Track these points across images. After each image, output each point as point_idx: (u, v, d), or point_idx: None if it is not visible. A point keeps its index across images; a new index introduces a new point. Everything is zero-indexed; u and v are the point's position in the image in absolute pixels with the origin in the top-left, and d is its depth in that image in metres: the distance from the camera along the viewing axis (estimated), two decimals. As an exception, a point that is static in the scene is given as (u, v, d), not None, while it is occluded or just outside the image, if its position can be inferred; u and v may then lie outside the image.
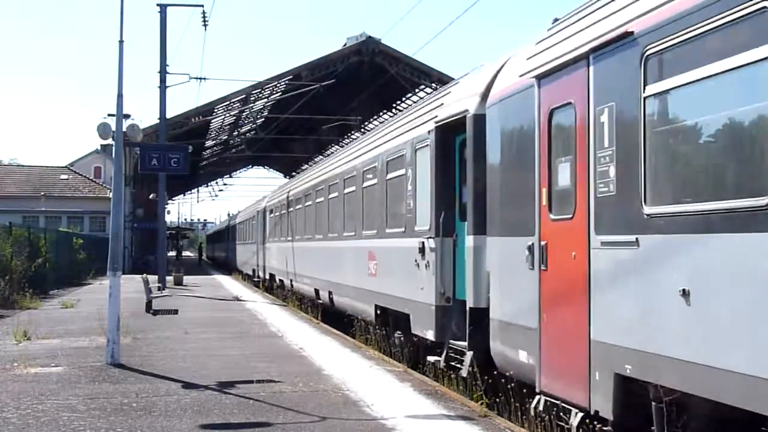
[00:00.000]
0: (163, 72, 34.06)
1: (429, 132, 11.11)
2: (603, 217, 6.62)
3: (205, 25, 37.35)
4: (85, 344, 14.20)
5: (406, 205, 12.15)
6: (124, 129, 12.89)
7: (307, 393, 9.58)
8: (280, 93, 51.41)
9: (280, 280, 27.77)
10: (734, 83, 5.29)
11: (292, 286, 24.75)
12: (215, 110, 50.66)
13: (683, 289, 5.52)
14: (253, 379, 10.37)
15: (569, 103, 7.16)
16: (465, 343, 9.74)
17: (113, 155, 14.24)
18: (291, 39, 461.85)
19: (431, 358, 10.93)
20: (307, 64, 47.42)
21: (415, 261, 11.35)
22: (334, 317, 18.89)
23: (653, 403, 6.06)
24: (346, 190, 16.72)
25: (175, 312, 19.07)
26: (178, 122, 47.06)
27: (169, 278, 34.31)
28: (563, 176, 7.33)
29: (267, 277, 31.79)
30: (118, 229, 12.89)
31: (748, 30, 5.03)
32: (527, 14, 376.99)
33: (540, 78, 7.73)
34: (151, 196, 45.88)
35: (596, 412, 6.61)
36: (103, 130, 12.76)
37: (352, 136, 57.84)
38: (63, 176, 58.18)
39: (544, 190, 7.61)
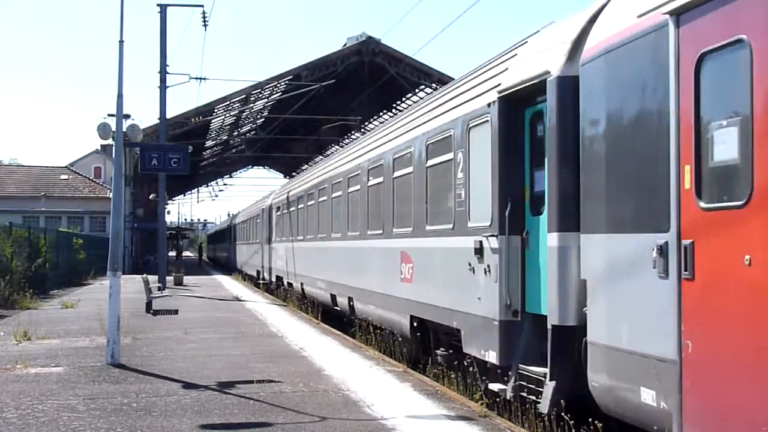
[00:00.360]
0: (163, 72, 34.07)
1: (489, 105, 9.03)
2: None
3: (205, 25, 37.42)
4: (85, 344, 14.20)
5: (454, 196, 10.11)
6: (124, 129, 12.89)
7: (307, 393, 9.58)
8: (280, 93, 51.42)
9: (289, 283, 25.71)
10: None
11: (303, 290, 22.64)
12: (215, 110, 50.67)
13: None
14: (253, 379, 10.38)
15: (738, 42, 5.22)
16: (543, 370, 7.77)
17: (113, 155, 14.24)
18: (291, 39, 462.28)
19: (494, 387, 8.86)
20: (307, 64, 47.44)
21: (469, 264, 9.43)
22: (334, 317, 18.86)
23: None
24: (371, 182, 14.67)
25: (175, 312, 19.11)
26: (178, 122, 47.08)
27: (169, 278, 34.32)
28: (725, 146, 5.38)
29: (273, 279, 29.78)
30: (118, 229, 12.89)
31: None
32: (527, 14, 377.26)
33: (679, 13, 5.81)
34: (151, 196, 45.89)
35: None
36: (103, 130, 12.76)
37: (353, 136, 57.89)
38: (63, 176, 58.19)
39: (688, 168, 5.65)
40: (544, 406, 7.59)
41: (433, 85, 45.67)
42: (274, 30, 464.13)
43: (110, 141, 13.31)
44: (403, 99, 53.20)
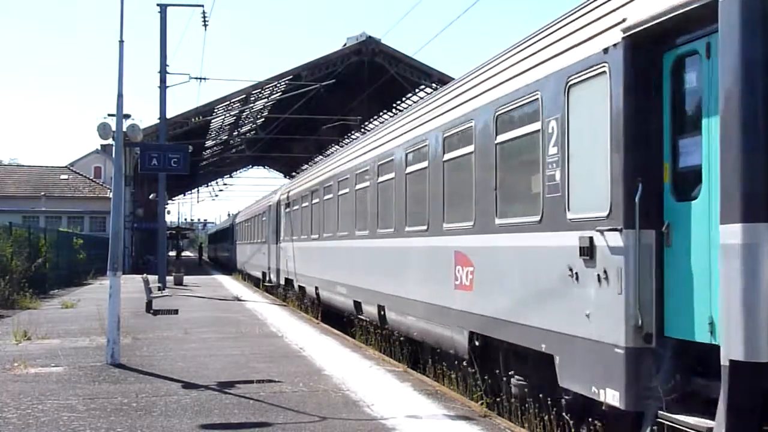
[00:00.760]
0: (163, 72, 34.07)
1: (606, 51, 6.80)
2: None
3: (205, 25, 37.41)
4: (85, 344, 14.20)
5: (543, 179, 7.81)
6: (124, 129, 12.89)
7: (307, 393, 9.58)
8: (280, 93, 51.43)
9: (300, 286, 23.15)
10: None
11: (318, 295, 20.21)
12: (215, 110, 50.69)
13: None
14: (253, 379, 10.37)
15: None
16: (704, 423, 5.72)
17: (113, 155, 14.24)
18: (291, 39, 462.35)
19: None
20: (307, 64, 47.46)
21: (570, 270, 7.17)
22: (334, 317, 18.83)
23: None
24: (409, 170, 12.39)
25: (175, 312, 19.10)
26: (178, 122, 47.09)
27: (169, 278, 34.32)
28: None
29: (281, 282, 27.22)
30: (118, 229, 12.90)
31: None
32: (527, 14, 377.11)
33: None
34: (151, 196, 45.91)
35: None
36: (103, 130, 12.77)
37: (353, 136, 57.92)
38: (63, 176, 58.22)
39: None
40: None
41: (433, 84, 45.70)
42: (274, 30, 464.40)
43: (110, 141, 13.32)
44: (403, 99, 53.22)
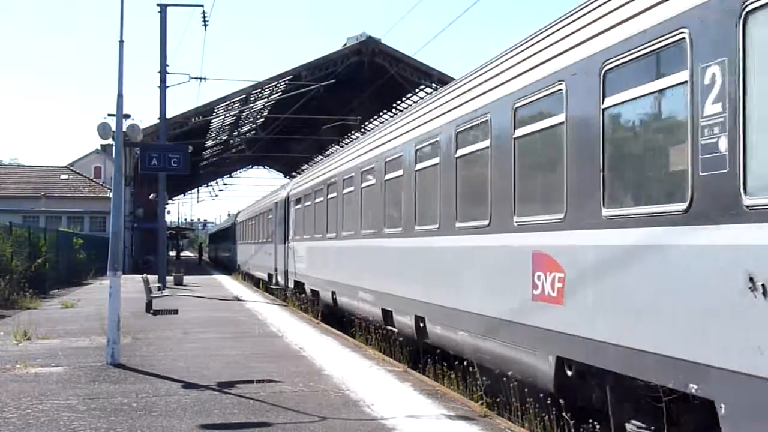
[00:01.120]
0: (163, 72, 34.07)
1: None
2: None
3: (205, 25, 37.44)
4: (85, 344, 14.20)
5: (693, 151, 5.67)
6: (124, 129, 12.90)
7: (307, 393, 9.58)
8: (280, 93, 51.46)
9: (313, 290, 21.00)
10: None
11: (335, 301, 18.03)
12: (215, 110, 50.72)
13: None
14: (253, 379, 10.37)
15: None
16: None
17: (113, 155, 14.24)
18: (291, 39, 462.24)
19: None
20: (307, 64, 47.50)
21: (751, 280, 5.05)
22: (334, 317, 18.80)
23: None
24: (460, 152, 10.13)
25: (175, 312, 19.12)
26: (178, 122, 47.11)
27: (169, 278, 34.32)
28: None
29: (290, 285, 24.96)
30: (118, 229, 12.89)
31: None
32: (527, 14, 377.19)
33: None
34: (151, 196, 45.89)
35: None
36: (103, 130, 12.77)
37: (353, 136, 57.94)
38: (63, 176, 58.22)
39: None
40: None
41: (433, 84, 45.73)
42: (274, 30, 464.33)
43: (110, 141, 13.32)
44: (403, 99, 53.26)
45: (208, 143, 64.03)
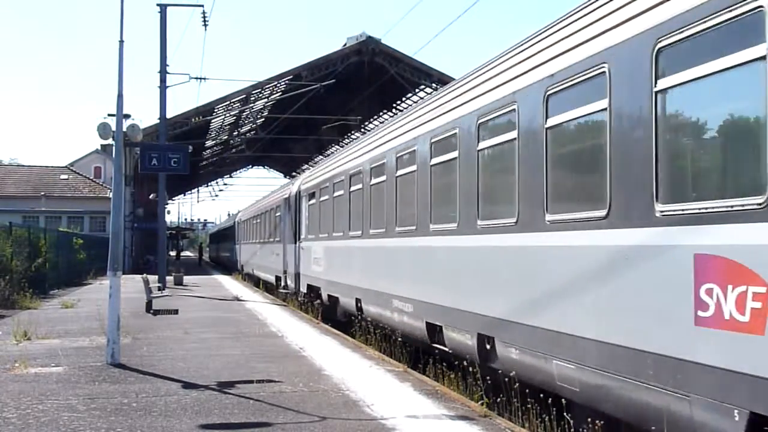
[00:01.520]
0: (163, 72, 34.08)
1: None
2: None
3: (205, 25, 37.45)
4: (85, 344, 14.20)
5: None
6: (124, 129, 12.89)
7: (307, 393, 9.57)
8: (280, 93, 51.48)
9: (331, 296, 18.64)
10: None
11: (360, 309, 15.63)
12: (215, 110, 50.73)
13: None
14: (253, 379, 10.37)
15: None
16: None
17: (113, 155, 14.24)
18: (291, 39, 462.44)
19: None
20: (307, 64, 47.52)
21: None
22: (334, 318, 18.78)
23: None
24: (552, 122, 7.75)
25: (175, 312, 19.12)
26: (178, 122, 47.13)
27: (169, 278, 34.32)
28: None
29: (303, 289, 22.52)
30: (118, 229, 12.89)
31: None
32: (527, 14, 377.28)
33: None
34: (151, 196, 45.93)
35: None
36: (103, 130, 12.77)
37: (353, 136, 57.95)
38: (63, 176, 58.26)
39: None
40: None
41: (433, 84, 45.75)
42: (274, 30, 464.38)
43: (110, 141, 13.32)
44: (403, 99, 53.26)
45: (208, 143, 64.05)
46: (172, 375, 10.81)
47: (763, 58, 5.03)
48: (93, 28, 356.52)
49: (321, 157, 59.07)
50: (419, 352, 12.46)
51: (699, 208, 5.61)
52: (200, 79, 38.31)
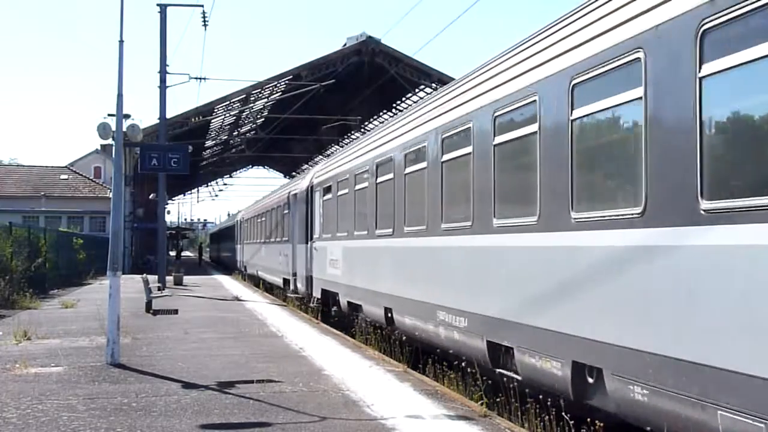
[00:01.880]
0: (163, 72, 34.08)
1: None
2: None
3: (205, 25, 37.42)
4: (85, 344, 14.20)
5: None
6: (124, 129, 12.90)
7: (307, 393, 9.58)
8: (280, 93, 51.48)
9: (352, 303, 16.39)
10: None
11: (391, 319, 13.46)
12: (215, 110, 50.73)
13: None
14: (253, 379, 10.37)
15: None
16: None
17: (113, 155, 14.24)
18: (291, 39, 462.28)
19: None
20: (307, 64, 47.51)
21: None
22: (334, 318, 18.76)
23: None
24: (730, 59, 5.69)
25: (175, 312, 19.13)
26: (178, 122, 47.13)
27: (169, 278, 34.32)
28: None
29: (316, 294, 20.39)
30: (118, 229, 12.89)
31: None
32: (527, 14, 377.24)
33: None
34: (151, 196, 45.91)
35: None
36: (103, 130, 12.78)
37: (353, 136, 57.96)
38: (63, 176, 58.29)
39: None
40: None
41: (433, 84, 45.76)
42: (274, 30, 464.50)
43: (110, 141, 13.33)
44: (403, 99, 53.27)
45: (208, 143, 64.06)
46: (172, 375, 10.81)
47: None
48: (93, 28, 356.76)
49: (321, 157, 59.10)
50: (419, 353, 12.41)
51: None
52: (200, 79, 38.31)
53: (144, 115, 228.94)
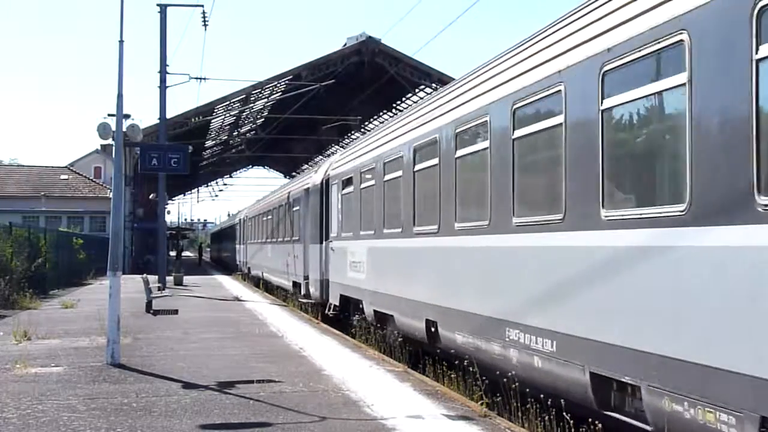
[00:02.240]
0: (163, 72, 34.08)
1: None
2: None
3: (205, 25, 37.40)
4: (85, 344, 14.20)
5: None
6: (124, 129, 12.90)
7: (307, 393, 9.58)
8: (280, 93, 51.48)
9: (381, 312, 14.13)
10: None
11: (435, 334, 11.20)
12: (215, 110, 50.74)
13: None
14: (253, 379, 10.37)
15: None
16: None
17: (113, 155, 14.25)
18: (291, 39, 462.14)
19: None
20: (307, 64, 47.52)
21: None
22: (334, 317, 18.75)
23: None
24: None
25: (175, 312, 19.13)
26: (178, 122, 47.13)
27: (169, 278, 34.32)
28: None
29: (334, 301, 18.24)
30: (118, 229, 12.90)
31: None
32: (527, 14, 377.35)
33: None
34: (151, 196, 45.91)
35: None
36: (103, 130, 12.78)
37: (353, 136, 57.96)
38: (63, 176, 58.27)
39: None
40: None
41: (433, 84, 45.76)
42: (274, 30, 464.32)
43: (110, 141, 13.33)
44: (403, 99, 53.28)
45: (208, 143, 64.06)
46: (172, 375, 10.81)
47: None
48: (93, 28, 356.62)
49: (321, 157, 59.08)
50: (419, 352, 12.40)
51: None
52: (200, 79, 38.28)
53: (144, 115, 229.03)
